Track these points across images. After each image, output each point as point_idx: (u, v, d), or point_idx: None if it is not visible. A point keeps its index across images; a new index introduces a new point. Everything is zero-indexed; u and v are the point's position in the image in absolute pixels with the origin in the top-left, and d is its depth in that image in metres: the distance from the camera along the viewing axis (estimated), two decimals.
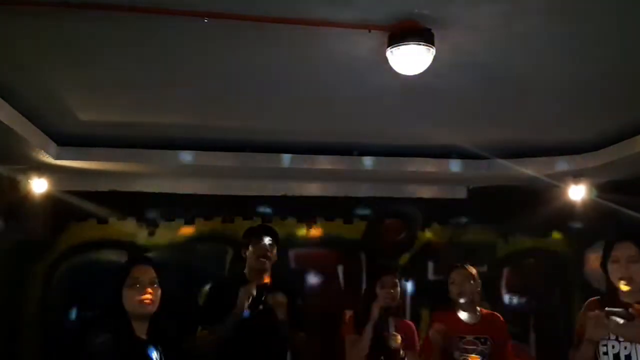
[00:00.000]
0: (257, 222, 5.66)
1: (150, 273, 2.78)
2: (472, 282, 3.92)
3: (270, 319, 3.69)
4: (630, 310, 2.60)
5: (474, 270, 3.99)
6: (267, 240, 3.86)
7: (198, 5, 2.75)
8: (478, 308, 3.95)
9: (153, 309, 2.73)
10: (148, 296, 2.71)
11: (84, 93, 3.92)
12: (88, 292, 5.29)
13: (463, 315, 3.90)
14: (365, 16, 2.85)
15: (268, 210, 5.76)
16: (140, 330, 2.72)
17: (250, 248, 3.86)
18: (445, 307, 3.97)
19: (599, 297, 2.89)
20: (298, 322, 3.84)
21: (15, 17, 2.84)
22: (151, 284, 2.74)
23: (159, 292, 2.76)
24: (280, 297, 3.73)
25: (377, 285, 4.02)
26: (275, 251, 3.89)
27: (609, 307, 2.65)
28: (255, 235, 3.90)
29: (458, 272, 3.96)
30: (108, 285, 2.83)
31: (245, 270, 3.89)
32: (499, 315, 4.02)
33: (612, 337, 2.68)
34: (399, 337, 3.80)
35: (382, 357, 3.79)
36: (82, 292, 5.31)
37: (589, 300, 2.93)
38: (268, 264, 3.85)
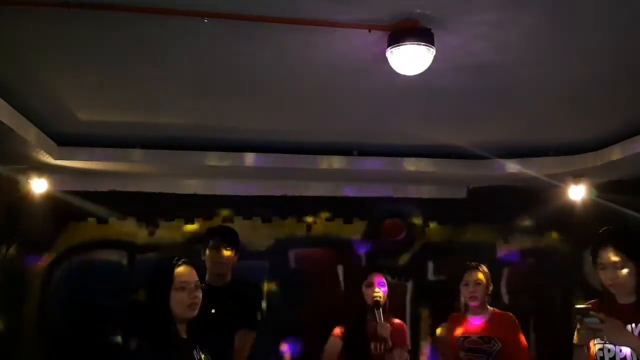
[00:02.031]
0: (257, 222, 5.67)
1: (194, 275, 2.76)
2: (484, 283, 3.98)
3: (221, 321, 3.64)
4: (598, 314, 2.61)
5: (486, 270, 4.04)
6: (224, 243, 3.78)
7: (198, 5, 2.75)
8: (490, 308, 4.01)
9: (197, 312, 2.72)
10: (196, 300, 2.71)
11: (84, 93, 3.92)
12: (88, 292, 5.31)
13: (471, 316, 3.97)
14: (365, 16, 2.85)
15: (269, 210, 5.76)
16: (181, 329, 2.71)
17: (208, 252, 3.79)
18: (459, 310, 4.04)
19: (596, 299, 2.90)
20: (251, 322, 3.79)
21: (15, 17, 2.85)
22: (197, 287, 2.73)
23: (201, 294, 2.75)
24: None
25: (364, 284, 4.09)
26: (234, 253, 3.81)
27: (601, 310, 2.66)
28: (212, 238, 3.82)
29: (470, 274, 4.01)
30: (146, 285, 2.77)
31: (206, 275, 3.83)
32: (511, 315, 4.07)
33: (607, 341, 2.69)
34: (388, 326, 3.87)
35: (372, 346, 3.88)
36: (82, 292, 5.31)
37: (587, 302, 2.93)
38: (225, 268, 3.80)
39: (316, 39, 3.07)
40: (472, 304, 3.98)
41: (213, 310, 3.66)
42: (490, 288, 4.06)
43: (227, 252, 3.78)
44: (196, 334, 2.76)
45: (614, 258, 2.72)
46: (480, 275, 3.99)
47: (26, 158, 4.70)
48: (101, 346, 5.16)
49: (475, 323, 3.96)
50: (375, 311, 3.91)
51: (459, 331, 3.97)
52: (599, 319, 2.59)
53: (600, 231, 2.85)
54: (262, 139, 4.90)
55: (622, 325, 2.62)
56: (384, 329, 3.85)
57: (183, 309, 2.68)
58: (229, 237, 3.84)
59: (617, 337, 2.62)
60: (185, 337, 2.72)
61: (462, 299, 4.09)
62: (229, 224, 5.56)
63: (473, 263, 4.09)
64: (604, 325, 2.58)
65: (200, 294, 2.74)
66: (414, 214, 5.99)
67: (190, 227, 5.65)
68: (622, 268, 2.72)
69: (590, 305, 2.70)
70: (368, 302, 4.01)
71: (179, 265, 2.75)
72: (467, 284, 4.00)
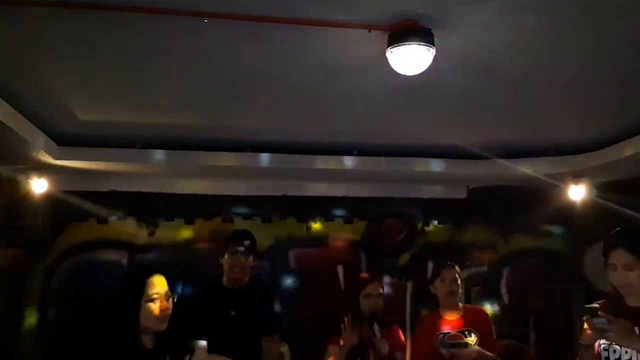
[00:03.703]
0: (257, 222, 5.67)
1: (165, 284, 2.71)
2: (459, 282, 4.01)
3: (242, 322, 3.71)
4: (606, 315, 2.61)
5: (459, 271, 4.09)
6: (241, 249, 3.85)
7: (198, 5, 2.75)
8: (460, 304, 4.04)
9: (167, 324, 2.68)
10: (167, 312, 2.67)
11: (84, 93, 3.92)
12: (88, 292, 5.31)
13: (446, 313, 3.99)
14: (365, 16, 2.85)
15: (269, 210, 5.76)
16: (147, 341, 2.67)
17: (226, 256, 3.87)
18: (429, 311, 4.06)
19: (605, 300, 2.90)
20: (273, 325, 3.89)
21: (15, 17, 2.84)
22: (167, 297, 2.69)
23: (171, 305, 2.71)
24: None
25: (362, 295, 4.13)
26: (251, 258, 3.90)
27: (610, 310, 2.65)
28: (230, 243, 3.90)
29: (448, 271, 4.03)
30: (112, 290, 2.75)
31: (223, 278, 3.91)
32: (482, 308, 4.15)
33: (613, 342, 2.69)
34: (386, 342, 3.89)
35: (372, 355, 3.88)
36: (81, 292, 5.31)
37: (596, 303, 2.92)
38: (242, 273, 3.87)
39: (316, 39, 3.07)
40: (451, 300, 4.00)
41: (233, 313, 3.71)
42: (462, 288, 4.09)
43: (245, 258, 3.86)
44: (161, 342, 2.71)
45: (625, 259, 2.71)
46: (457, 274, 4.04)
47: (26, 158, 4.69)
48: (100, 346, 5.15)
49: (451, 319, 4.00)
50: (374, 324, 3.94)
51: (435, 330, 3.97)
52: (606, 319, 2.58)
53: (612, 232, 2.85)
54: (263, 138, 4.90)
55: (630, 327, 2.61)
56: (382, 345, 3.87)
57: (153, 320, 2.64)
58: (247, 243, 3.91)
59: (624, 339, 2.61)
60: (150, 347, 2.66)
61: (438, 295, 4.08)
62: (229, 224, 5.59)
63: (449, 262, 4.13)
64: (611, 326, 2.57)
65: (171, 305, 2.70)
66: (414, 214, 5.99)
67: (190, 227, 5.65)
68: (633, 269, 2.71)
69: (598, 306, 2.69)
70: (365, 312, 4.06)
71: (150, 276, 2.70)
72: (443, 280, 4.01)
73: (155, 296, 2.65)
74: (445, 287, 4.00)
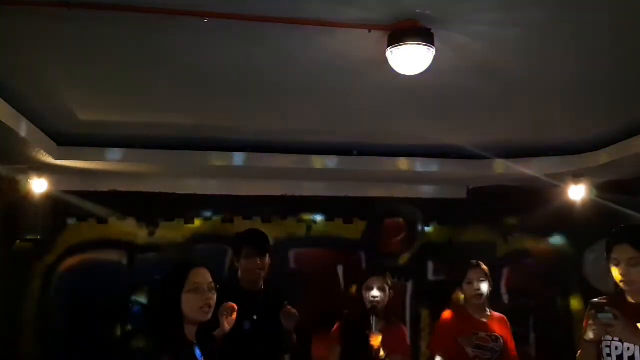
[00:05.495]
0: (257, 222, 5.67)
1: (208, 277, 2.73)
2: (488, 282, 3.98)
3: (265, 326, 3.69)
4: (612, 310, 2.61)
5: (487, 269, 4.04)
6: (257, 251, 3.80)
7: (198, 6, 2.75)
8: (487, 309, 4.02)
9: (211, 314, 2.71)
10: (210, 302, 2.68)
11: (84, 93, 3.92)
12: (88, 291, 5.31)
13: (475, 314, 3.96)
14: (365, 16, 2.85)
15: (267, 210, 5.76)
16: (190, 333, 2.69)
17: (242, 261, 3.82)
18: (455, 306, 4.03)
19: (605, 296, 2.90)
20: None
21: (15, 17, 2.84)
22: (210, 289, 2.71)
23: (215, 296, 2.73)
24: (290, 309, 3.74)
25: (363, 287, 4.06)
26: (267, 259, 3.84)
27: (612, 307, 2.65)
28: (245, 246, 3.85)
29: (475, 272, 4.00)
30: (159, 285, 2.79)
31: (239, 277, 3.89)
32: (503, 316, 4.12)
33: (615, 338, 2.69)
34: (379, 338, 3.81)
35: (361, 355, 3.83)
36: (82, 292, 5.31)
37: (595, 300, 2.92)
38: (260, 275, 3.83)
39: (316, 39, 3.07)
40: (478, 302, 3.98)
41: (255, 317, 3.68)
42: (491, 286, 4.06)
43: (262, 260, 3.81)
44: (204, 336, 2.74)
45: (629, 254, 2.71)
46: (483, 272, 4.00)
47: (26, 158, 4.70)
48: (101, 346, 5.16)
49: (482, 321, 3.98)
50: (371, 317, 3.90)
51: (463, 327, 3.95)
52: (613, 314, 2.57)
53: (617, 227, 2.84)
54: (262, 139, 4.90)
55: (634, 323, 2.61)
56: (374, 339, 3.81)
57: (195, 311, 2.66)
58: (263, 245, 3.87)
59: (628, 335, 2.61)
60: (193, 339, 2.69)
61: (464, 297, 4.06)
62: (229, 224, 5.59)
63: (474, 261, 4.09)
64: (617, 321, 2.57)
65: (214, 296, 2.72)
66: (414, 214, 5.99)
67: (190, 227, 5.65)
68: (636, 265, 2.71)
69: (605, 301, 2.69)
70: (367, 306, 4.01)
71: (194, 267, 2.74)
72: (470, 282, 3.99)
73: (196, 286, 2.67)
74: (472, 289, 3.96)
